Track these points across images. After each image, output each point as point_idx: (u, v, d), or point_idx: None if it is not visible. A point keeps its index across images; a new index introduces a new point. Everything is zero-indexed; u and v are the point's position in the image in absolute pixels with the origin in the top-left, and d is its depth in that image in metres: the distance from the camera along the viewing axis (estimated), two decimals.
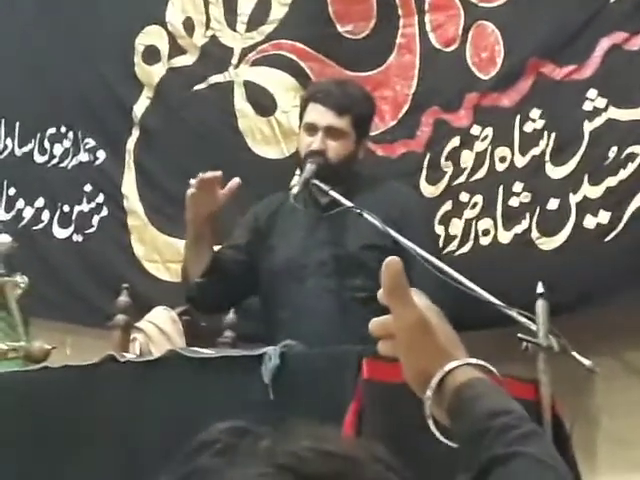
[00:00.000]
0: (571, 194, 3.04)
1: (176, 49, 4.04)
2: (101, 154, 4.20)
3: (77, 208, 4.20)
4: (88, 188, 4.19)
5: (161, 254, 3.93)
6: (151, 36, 4.10)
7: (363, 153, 3.08)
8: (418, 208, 3.09)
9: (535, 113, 3.18)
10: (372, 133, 3.30)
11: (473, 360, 1.11)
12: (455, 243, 3.26)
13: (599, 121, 3.04)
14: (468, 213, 3.26)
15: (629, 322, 3.01)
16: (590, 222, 2.99)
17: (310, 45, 3.72)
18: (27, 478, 2.72)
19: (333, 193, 2.88)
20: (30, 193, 4.34)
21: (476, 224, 3.23)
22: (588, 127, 3.06)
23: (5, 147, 4.47)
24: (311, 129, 2.98)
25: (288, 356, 2.39)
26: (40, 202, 4.30)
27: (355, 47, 3.63)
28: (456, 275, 2.55)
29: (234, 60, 3.88)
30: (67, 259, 4.18)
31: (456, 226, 3.28)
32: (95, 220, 4.16)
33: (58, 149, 4.32)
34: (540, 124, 3.17)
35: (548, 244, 3.07)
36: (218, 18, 3.95)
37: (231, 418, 0.77)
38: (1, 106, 4.47)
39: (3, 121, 4.48)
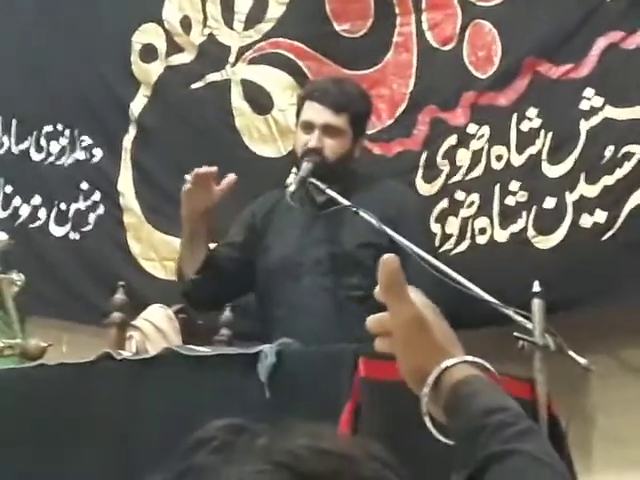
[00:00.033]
0: (568, 193, 3.04)
1: (173, 47, 4.04)
2: (97, 152, 4.20)
3: (74, 206, 4.20)
4: (85, 186, 4.19)
5: (157, 252, 3.93)
6: (148, 34, 4.10)
7: (359, 152, 3.08)
8: (414, 206, 3.09)
9: (532, 112, 3.19)
10: (369, 132, 3.30)
11: (470, 357, 1.11)
12: (452, 242, 3.27)
13: (596, 120, 3.05)
14: (465, 212, 3.26)
15: (625, 321, 3.01)
16: (587, 221, 2.99)
17: (307, 44, 3.72)
18: (24, 476, 2.72)
19: (329, 191, 2.88)
20: (26, 191, 4.34)
21: (472, 223, 3.24)
22: (585, 126, 3.06)
23: (2, 144, 4.47)
24: (308, 127, 2.98)
25: (284, 354, 2.39)
26: (36, 200, 4.30)
27: (352, 46, 3.63)
28: (452, 274, 2.55)
29: (231, 58, 3.88)
30: (64, 257, 4.18)
31: (453, 225, 3.28)
32: (91, 218, 4.16)
33: (55, 147, 4.31)
34: (537, 123, 3.17)
35: (544, 243, 3.07)
36: (215, 16, 3.95)
37: (227, 416, 0.77)
38: None
39: (0, 118, 4.48)
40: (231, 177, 2.91)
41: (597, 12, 3.10)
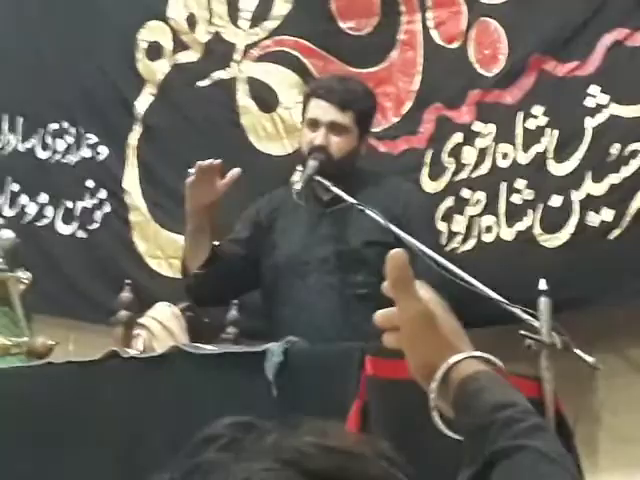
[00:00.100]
0: (574, 191, 3.04)
1: (179, 45, 4.04)
2: (103, 150, 4.20)
3: (80, 204, 4.20)
4: (90, 184, 4.19)
5: (163, 250, 3.94)
6: (154, 32, 4.10)
7: (365, 149, 3.09)
8: (420, 204, 3.09)
9: (537, 110, 3.18)
10: (375, 129, 3.30)
11: (478, 353, 1.11)
12: (458, 240, 3.26)
13: (601, 118, 3.04)
14: (471, 210, 3.26)
15: (632, 319, 3.01)
16: (593, 219, 2.99)
17: (313, 41, 3.71)
18: (29, 473, 2.73)
19: (335, 189, 2.88)
20: (33, 189, 4.34)
21: (479, 221, 3.23)
22: (590, 124, 3.05)
23: (8, 143, 4.47)
24: (313, 125, 2.98)
25: (291, 353, 2.39)
26: (43, 198, 4.30)
27: (358, 44, 3.63)
28: (459, 272, 2.55)
29: (237, 56, 3.88)
30: (70, 255, 4.18)
31: (459, 223, 3.28)
32: (98, 216, 4.16)
33: (61, 145, 4.31)
34: (542, 121, 3.17)
35: (551, 241, 3.06)
36: (221, 14, 3.95)
37: (234, 415, 0.77)
38: (4, 102, 4.47)
39: (6, 117, 4.48)
40: (235, 171, 2.91)
41: (602, 9, 3.10)
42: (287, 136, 3.70)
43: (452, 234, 3.28)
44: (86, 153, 4.23)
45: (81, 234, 4.18)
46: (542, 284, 2.50)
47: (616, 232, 2.93)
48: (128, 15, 4.17)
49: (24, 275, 3.25)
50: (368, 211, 2.74)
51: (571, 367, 2.58)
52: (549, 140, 3.13)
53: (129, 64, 4.14)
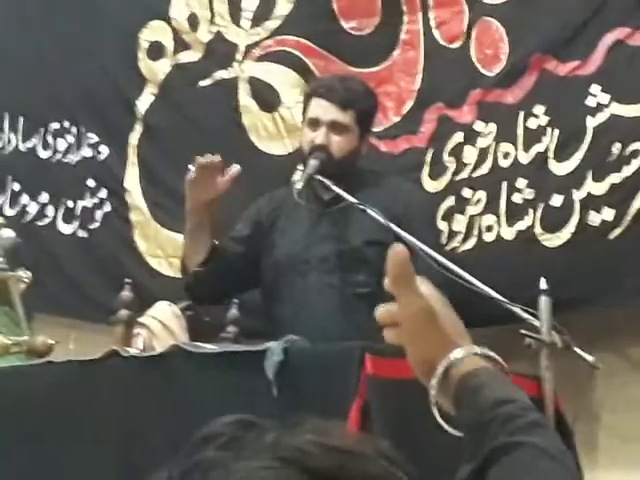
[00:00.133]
0: (575, 190, 3.04)
1: (181, 45, 4.04)
2: (104, 149, 4.20)
3: (81, 203, 4.20)
4: (91, 183, 4.20)
5: (164, 249, 3.94)
6: (155, 32, 4.10)
7: (366, 149, 3.09)
8: (420, 204, 3.09)
9: (539, 109, 3.18)
10: (376, 129, 3.31)
11: (479, 349, 1.11)
12: (458, 239, 3.26)
13: (602, 117, 3.04)
14: (471, 209, 3.26)
15: (632, 319, 3.01)
16: (594, 219, 2.99)
17: (314, 41, 3.72)
18: (29, 472, 2.73)
19: (336, 189, 2.88)
20: (34, 188, 4.34)
21: (479, 220, 3.24)
22: (591, 123, 3.05)
23: (9, 142, 4.48)
24: (314, 124, 2.98)
25: (291, 352, 2.39)
26: (44, 197, 4.31)
27: (359, 43, 3.63)
28: (459, 271, 2.55)
29: (239, 56, 3.88)
30: (71, 254, 4.19)
31: (459, 222, 3.28)
32: (99, 215, 4.16)
33: (61, 144, 4.32)
34: (544, 120, 3.17)
35: (552, 241, 3.06)
36: (223, 14, 3.95)
37: (234, 413, 0.77)
38: (5, 101, 4.48)
39: (7, 116, 4.49)
40: (235, 168, 2.91)
41: (603, 9, 3.10)
42: (288, 135, 3.70)
43: (453, 233, 3.28)
44: (87, 152, 4.24)
45: (82, 233, 4.19)
46: (542, 283, 2.50)
47: (617, 232, 2.93)
48: (129, 15, 4.18)
49: (24, 274, 3.25)
50: (369, 210, 2.74)
51: (570, 366, 2.58)
52: (550, 139, 3.13)
53: (130, 64, 4.14)
